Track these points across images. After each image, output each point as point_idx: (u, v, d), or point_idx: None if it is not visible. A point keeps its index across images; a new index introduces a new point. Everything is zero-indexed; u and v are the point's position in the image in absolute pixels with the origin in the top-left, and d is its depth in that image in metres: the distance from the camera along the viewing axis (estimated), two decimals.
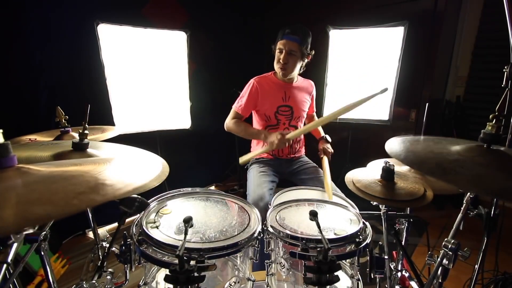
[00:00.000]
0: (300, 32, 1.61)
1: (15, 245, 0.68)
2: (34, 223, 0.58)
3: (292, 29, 1.60)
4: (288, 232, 0.88)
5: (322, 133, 1.91)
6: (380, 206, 1.08)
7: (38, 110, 2.08)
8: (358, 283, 0.91)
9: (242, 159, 1.70)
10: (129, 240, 0.85)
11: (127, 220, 1.00)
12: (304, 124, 1.89)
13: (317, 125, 1.73)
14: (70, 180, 0.53)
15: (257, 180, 1.61)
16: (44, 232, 0.88)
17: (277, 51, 1.67)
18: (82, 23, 2.08)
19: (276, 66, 1.70)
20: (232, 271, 0.94)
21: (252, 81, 1.74)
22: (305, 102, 1.82)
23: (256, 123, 1.84)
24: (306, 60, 1.70)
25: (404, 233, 1.33)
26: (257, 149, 1.79)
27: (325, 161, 1.70)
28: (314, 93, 1.92)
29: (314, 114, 2.06)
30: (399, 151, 0.82)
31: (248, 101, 1.72)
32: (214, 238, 0.83)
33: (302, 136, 1.92)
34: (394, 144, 0.88)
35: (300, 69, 1.74)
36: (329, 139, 1.87)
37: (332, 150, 1.82)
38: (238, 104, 1.76)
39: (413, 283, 1.33)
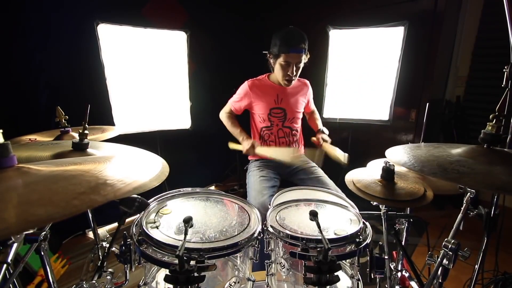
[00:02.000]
0: (303, 40, 1.55)
1: (15, 245, 0.68)
2: (36, 225, 0.58)
3: (295, 39, 1.53)
4: (288, 232, 0.88)
5: (320, 126, 1.88)
6: (380, 206, 1.09)
7: (38, 110, 2.08)
8: (358, 283, 0.91)
9: (232, 145, 1.76)
10: (129, 240, 0.85)
11: (127, 220, 1.00)
12: (301, 124, 1.90)
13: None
14: (71, 180, 0.53)
15: (258, 186, 1.59)
16: (44, 232, 0.88)
17: (282, 64, 1.58)
18: (82, 23, 2.08)
19: (282, 79, 1.65)
20: (232, 271, 0.94)
21: (245, 83, 1.76)
22: (299, 104, 1.82)
23: (253, 123, 1.86)
24: None
25: (404, 233, 1.33)
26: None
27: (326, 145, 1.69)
28: (310, 91, 1.90)
29: (315, 110, 2.03)
30: (399, 157, 0.83)
31: (240, 102, 1.79)
32: (214, 238, 0.83)
33: (301, 135, 1.92)
34: (394, 152, 0.89)
35: None
36: (326, 131, 1.83)
37: (330, 140, 1.76)
38: (233, 101, 1.83)
39: (413, 283, 1.33)
